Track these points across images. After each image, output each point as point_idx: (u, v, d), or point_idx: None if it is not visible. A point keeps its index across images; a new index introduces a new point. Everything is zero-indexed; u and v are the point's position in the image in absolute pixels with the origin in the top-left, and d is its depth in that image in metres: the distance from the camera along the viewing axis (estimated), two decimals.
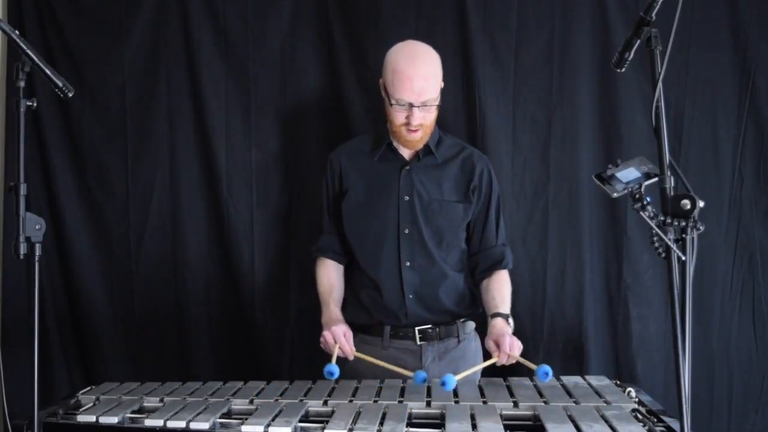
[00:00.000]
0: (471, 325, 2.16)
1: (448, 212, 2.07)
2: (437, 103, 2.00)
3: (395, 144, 2.10)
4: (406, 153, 2.11)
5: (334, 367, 1.82)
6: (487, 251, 2.12)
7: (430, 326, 2.07)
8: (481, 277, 2.12)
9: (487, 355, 1.91)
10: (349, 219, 2.11)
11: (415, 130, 2.00)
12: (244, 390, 1.88)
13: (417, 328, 2.06)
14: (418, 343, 2.07)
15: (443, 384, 1.71)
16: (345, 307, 2.11)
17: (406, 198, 2.07)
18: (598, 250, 2.43)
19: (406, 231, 2.06)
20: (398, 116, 2.00)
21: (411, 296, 2.06)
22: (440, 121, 2.44)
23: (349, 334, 1.97)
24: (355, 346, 1.99)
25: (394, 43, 2.43)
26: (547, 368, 1.78)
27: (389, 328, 2.07)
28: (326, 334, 1.95)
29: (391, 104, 1.99)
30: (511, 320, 1.98)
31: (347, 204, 2.12)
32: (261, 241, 2.56)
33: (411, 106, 1.96)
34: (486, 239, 2.13)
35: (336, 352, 1.91)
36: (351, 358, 1.95)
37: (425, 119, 2.00)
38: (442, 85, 2.06)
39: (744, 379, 2.41)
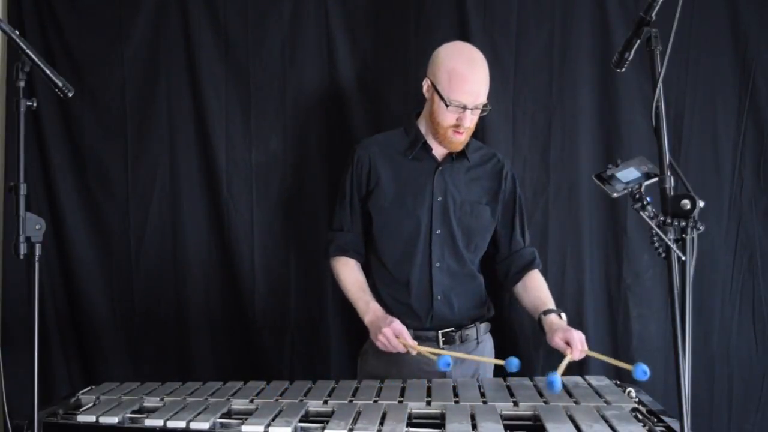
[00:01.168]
0: (487, 326, 2.17)
1: (478, 214, 2.08)
2: (489, 108, 2.01)
3: (429, 143, 2.09)
4: (438, 153, 2.10)
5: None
6: (517, 253, 2.14)
7: (452, 329, 2.07)
8: (516, 279, 2.13)
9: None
10: (380, 217, 2.07)
11: (462, 132, 2.00)
12: (244, 390, 1.88)
13: (440, 332, 2.06)
14: (441, 346, 2.04)
15: (551, 385, 1.63)
16: (375, 287, 2.08)
17: (439, 199, 2.06)
18: (598, 250, 2.44)
19: (438, 232, 2.05)
20: (449, 117, 1.98)
21: (439, 297, 2.05)
22: None
23: (404, 330, 1.92)
24: (375, 348, 1.97)
25: (394, 43, 2.45)
26: (645, 367, 1.68)
27: (412, 332, 2.00)
28: (386, 331, 1.88)
29: (447, 105, 1.96)
30: (563, 315, 1.98)
31: (377, 201, 2.08)
32: (261, 241, 2.56)
33: (465, 108, 1.96)
34: (515, 242, 2.14)
35: (401, 348, 1.87)
36: (414, 353, 1.90)
37: (473, 122, 2.01)
38: None
39: (744, 379, 2.41)
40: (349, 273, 2.10)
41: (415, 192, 2.06)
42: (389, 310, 2.02)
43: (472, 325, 2.11)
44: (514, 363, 1.83)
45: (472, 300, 2.10)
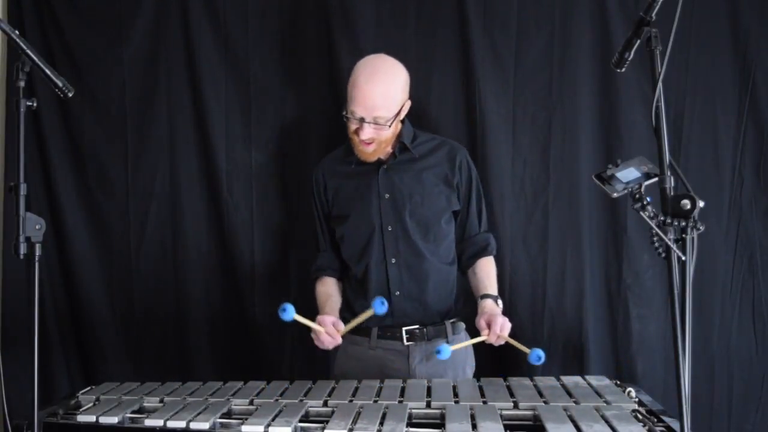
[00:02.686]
0: (461, 326, 2.17)
1: (431, 203, 2.09)
2: (389, 123, 2.00)
3: None
4: (383, 154, 2.11)
5: (443, 347, 1.88)
6: (471, 239, 2.16)
7: (417, 326, 2.07)
8: (468, 264, 2.16)
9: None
10: (339, 227, 2.14)
11: (368, 143, 2.01)
12: (244, 390, 1.88)
13: (404, 329, 2.07)
14: (405, 343, 2.07)
15: (438, 352, 1.84)
16: (340, 316, 2.10)
17: (386, 196, 2.08)
18: (598, 250, 2.43)
19: (389, 228, 2.07)
20: (351, 127, 2.02)
21: (397, 293, 2.07)
22: (440, 121, 2.45)
23: (340, 325, 1.97)
24: (344, 346, 2.03)
25: (394, 43, 2.45)
26: (540, 352, 1.86)
27: (376, 329, 2.08)
28: (319, 320, 1.96)
29: (344, 113, 2.01)
30: (500, 302, 2.04)
31: (336, 213, 2.15)
32: (261, 241, 2.56)
33: (362, 120, 1.97)
34: (469, 228, 2.16)
35: (319, 328, 1.93)
36: (335, 345, 1.95)
37: (378, 135, 2.01)
38: (408, 104, 2.08)
39: (744, 379, 2.41)
40: (321, 289, 2.18)
41: (363, 194, 2.10)
42: (356, 313, 2.07)
43: (441, 323, 2.10)
44: (536, 354, 1.90)
45: (438, 293, 2.10)
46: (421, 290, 2.08)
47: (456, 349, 1.92)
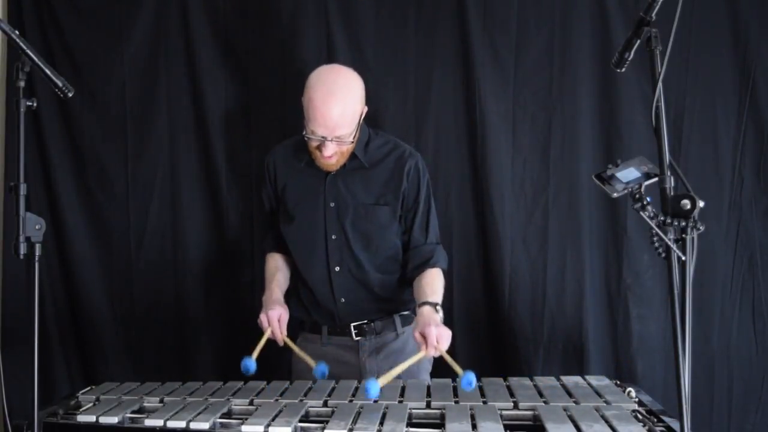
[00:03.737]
0: (411, 318, 2.14)
1: (374, 216, 2.05)
2: (352, 137, 1.96)
3: None
4: None
5: (250, 363, 1.87)
6: (415, 250, 2.08)
7: (365, 321, 2.08)
8: (412, 276, 2.06)
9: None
10: (285, 223, 2.12)
11: (330, 156, 1.96)
12: (244, 390, 1.88)
13: (352, 324, 2.08)
14: (355, 338, 2.08)
15: (366, 391, 1.62)
16: (288, 301, 2.11)
17: (332, 204, 2.05)
18: (598, 250, 2.43)
19: (333, 237, 2.06)
20: (311, 143, 1.97)
21: (342, 300, 2.07)
22: (441, 121, 2.45)
23: (285, 317, 1.99)
24: (298, 344, 2.04)
25: (394, 43, 2.45)
26: (472, 377, 1.66)
27: (327, 327, 2.11)
28: (262, 316, 1.98)
29: (304, 133, 1.95)
30: (440, 309, 1.89)
31: (283, 206, 2.13)
32: (261, 241, 2.55)
33: (324, 138, 1.93)
34: (414, 238, 2.08)
35: (267, 335, 1.95)
36: (281, 344, 1.97)
37: (341, 148, 1.96)
38: (365, 109, 2.02)
39: (744, 379, 2.41)
40: (270, 261, 2.18)
41: (309, 199, 2.08)
42: (306, 307, 2.11)
43: (389, 316, 2.10)
44: (467, 380, 1.67)
45: (381, 299, 2.08)
46: (365, 298, 2.08)
47: (388, 381, 1.69)
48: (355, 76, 2.01)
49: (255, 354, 1.91)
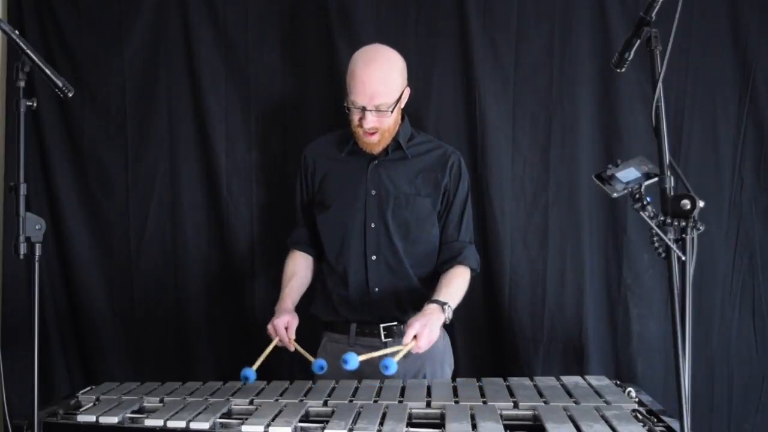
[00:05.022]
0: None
1: (415, 207, 2.07)
2: (391, 109, 1.98)
3: None
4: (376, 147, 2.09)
5: (249, 372, 1.86)
6: (447, 245, 2.11)
7: (395, 323, 2.07)
8: (441, 270, 2.09)
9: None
10: (322, 213, 2.13)
11: (372, 133, 2.00)
12: (244, 390, 1.88)
13: (382, 325, 2.07)
14: (383, 339, 2.07)
15: (345, 362, 1.73)
16: (315, 302, 2.14)
17: (373, 192, 2.07)
18: (598, 250, 2.43)
19: (372, 225, 2.06)
20: (354, 118, 2.01)
21: (377, 289, 2.07)
22: (441, 121, 2.45)
23: (293, 323, 1.98)
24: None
25: (394, 43, 2.44)
26: (323, 362, 1.81)
27: (355, 326, 2.09)
28: (270, 326, 1.98)
29: (346, 105, 2.00)
30: (448, 308, 1.91)
31: (321, 198, 2.13)
32: (261, 241, 2.56)
33: (364, 109, 1.96)
34: (447, 234, 2.11)
35: (274, 344, 1.96)
36: (291, 349, 1.97)
37: (381, 123, 1.99)
38: (408, 91, 2.05)
39: (744, 379, 2.41)
40: (289, 263, 2.18)
41: (350, 187, 2.09)
42: (335, 306, 2.09)
43: None
44: (319, 365, 1.85)
45: (413, 293, 2.07)
46: (398, 290, 2.07)
47: (367, 359, 1.79)
48: (396, 53, 2.06)
49: (258, 363, 1.91)
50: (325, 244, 2.13)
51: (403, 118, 2.12)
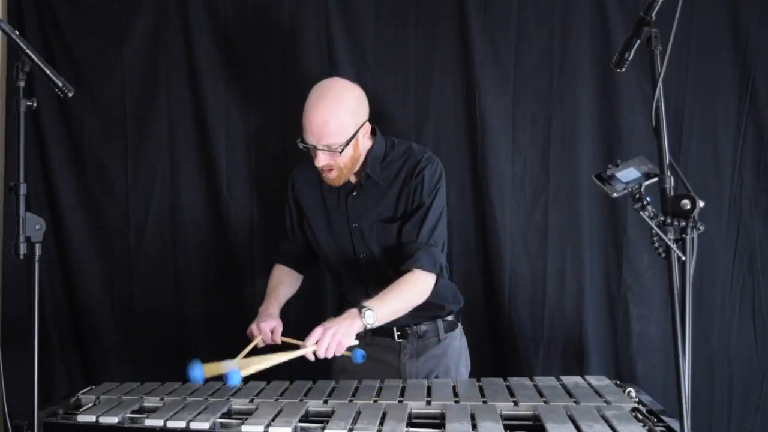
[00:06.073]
0: (451, 324, 2.14)
1: (390, 232, 2.02)
2: (340, 149, 1.90)
3: None
4: (353, 178, 2.05)
5: (197, 371, 1.66)
6: (404, 245, 2.00)
7: (408, 324, 2.08)
8: (398, 272, 1.97)
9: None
10: (313, 240, 2.13)
11: (329, 170, 1.96)
12: (244, 390, 1.88)
13: (395, 326, 2.07)
14: (397, 340, 2.09)
15: (228, 378, 1.61)
16: (341, 308, 2.09)
17: (355, 225, 2.05)
18: (598, 250, 2.43)
19: (362, 255, 2.06)
20: (311, 154, 1.97)
21: None
22: (441, 121, 2.45)
23: (279, 329, 1.97)
24: None
25: (394, 43, 2.45)
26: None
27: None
28: (253, 327, 1.96)
29: (298, 141, 1.96)
30: (367, 312, 1.78)
31: (309, 224, 2.13)
32: (261, 242, 2.56)
33: (315, 147, 1.92)
34: (403, 232, 2.00)
35: (254, 344, 1.93)
36: (278, 342, 1.96)
37: (335, 161, 1.94)
38: (367, 126, 1.99)
39: (744, 379, 2.41)
40: (275, 273, 2.19)
41: (334, 220, 2.08)
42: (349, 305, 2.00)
43: (433, 321, 2.10)
44: (360, 354, 1.84)
45: (419, 309, 1.98)
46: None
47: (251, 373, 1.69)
48: (353, 88, 1.99)
49: (238, 358, 1.81)
50: (330, 273, 2.21)
51: (374, 133, 2.04)
